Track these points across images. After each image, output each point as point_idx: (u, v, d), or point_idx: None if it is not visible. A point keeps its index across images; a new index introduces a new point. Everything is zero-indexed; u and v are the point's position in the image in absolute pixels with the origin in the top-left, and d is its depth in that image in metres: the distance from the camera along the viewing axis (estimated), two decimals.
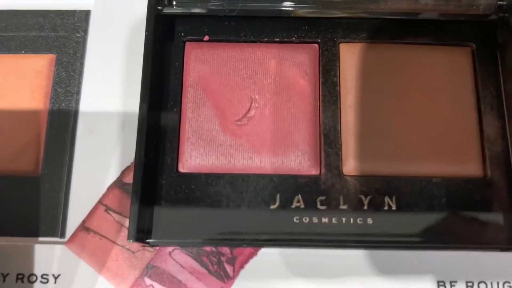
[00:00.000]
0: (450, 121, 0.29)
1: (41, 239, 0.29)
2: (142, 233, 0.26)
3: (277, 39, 0.30)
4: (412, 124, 0.29)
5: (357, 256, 0.29)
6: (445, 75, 0.30)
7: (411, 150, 0.29)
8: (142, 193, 0.26)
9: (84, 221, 0.29)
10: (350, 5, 0.30)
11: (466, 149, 0.29)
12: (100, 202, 0.30)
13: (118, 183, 0.30)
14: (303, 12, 0.30)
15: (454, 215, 0.28)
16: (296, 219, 0.28)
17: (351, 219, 0.28)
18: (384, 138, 0.29)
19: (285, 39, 0.30)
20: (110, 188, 0.30)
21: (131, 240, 0.25)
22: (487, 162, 0.29)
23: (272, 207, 0.28)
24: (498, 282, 0.29)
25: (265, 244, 0.28)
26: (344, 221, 0.28)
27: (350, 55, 0.30)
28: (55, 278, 0.28)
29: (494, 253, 0.29)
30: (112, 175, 0.30)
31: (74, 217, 0.29)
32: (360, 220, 0.28)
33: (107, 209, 0.30)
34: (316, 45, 0.30)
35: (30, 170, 0.30)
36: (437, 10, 0.30)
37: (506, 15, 0.30)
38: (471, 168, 0.29)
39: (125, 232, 0.29)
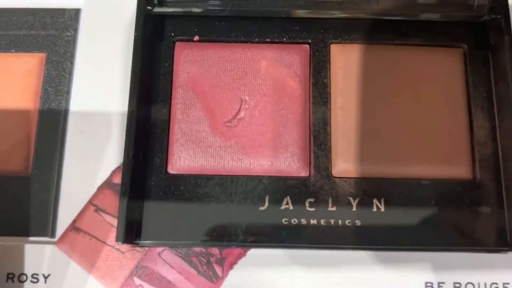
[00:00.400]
0: (441, 123, 0.29)
1: (31, 238, 0.29)
2: (131, 234, 0.26)
3: (268, 40, 0.30)
4: (402, 126, 0.29)
5: (345, 257, 0.29)
6: (436, 77, 0.30)
7: (400, 152, 0.29)
8: (130, 194, 0.26)
9: (74, 221, 0.29)
10: (341, 5, 0.30)
11: (455, 151, 0.29)
12: (90, 202, 0.30)
13: (109, 183, 0.30)
14: (294, 12, 0.30)
15: (442, 217, 0.28)
16: (285, 221, 0.28)
17: (340, 221, 0.28)
18: (374, 140, 0.29)
19: (276, 40, 0.30)
20: (100, 188, 0.30)
21: (119, 242, 0.25)
22: (476, 164, 0.29)
23: (261, 208, 0.28)
24: (485, 283, 0.29)
25: (254, 245, 0.28)
26: (332, 222, 0.28)
27: (341, 56, 0.30)
28: (45, 278, 0.29)
29: (481, 255, 0.29)
30: (102, 175, 0.30)
31: (65, 217, 0.29)
32: (348, 222, 0.28)
33: (97, 209, 0.30)
34: (307, 46, 0.30)
35: (21, 170, 0.30)
36: (430, 11, 0.30)
37: (499, 16, 0.30)
38: (461, 170, 0.29)
39: (115, 232, 0.29)
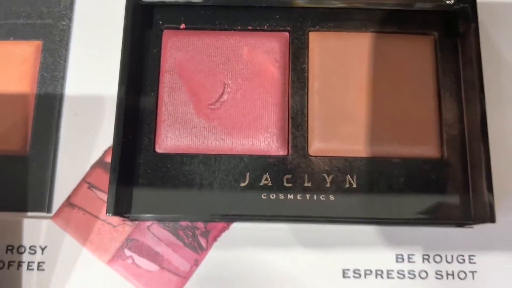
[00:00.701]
0: (411, 106, 0.31)
1: (29, 213, 0.31)
2: (120, 207, 0.29)
3: (250, 28, 0.32)
4: (375, 109, 0.31)
5: (319, 230, 0.31)
6: (408, 63, 0.32)
7: (373, 132, 0.31)
8: (120, 170, 0.28)
9: (69, 198, 0.31)
10: None
11: (425, 132, 0.31)
12: (84, 180, 0.32)
13: (101, 163, 0.32)
14: (274, 2, 0.32)
15: (411, 193, 0.30)
16: (264, 196, 0.30)
17: (315, 196, 0.30)
18: (348, 122, 0.31)
19: (258, 28, 0.32)
20: (93, 167, 0.32)
21: (109, 214, 0.27)
22: (444, 144, 0.31)
23: (242, 184, 0.30)
24: (452, 256, 0.31)
25: (235, 218, 0.30)
26: (308, 197, 0.30)
27: (318, 43, 0.32)
28: (42, 249, 0.31)
29: (448, 229, 0.31)
30: (95, 155, 0.32)
31: (60, 193, 0.32)
32: (323, 197, 0.30)
33: (90, 186, 0.32)
34: (287, 34, 0.32)
35: (19, 150, 0.32)
36: (403, 0, 0.32)
37: (466, 5, 0.31)
38: (429, 149, 0.31)
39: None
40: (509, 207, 0.31)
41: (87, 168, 0.32)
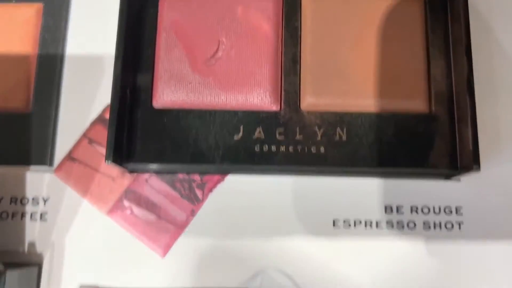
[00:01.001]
0: (401, 62, 0.32)
1: (32, 167, 0.32)
2: (119, 156, 0.30)
3: None
4: (366, 65, 0.32)
5: (310, 183, 0.32)
6: (398, 21, 0.33)
7: (363, 88, 0.32)
8: (118, 121, 0.29)
9: (70, 152, 0.33)
10: None
11: (414, 87, 0.32)
12: (84, 135, 0.33)
13: (100, 119, 0.33)
14: None
15: (400, 145, 0.31)
16: (257, 148, 0.31)
17: (306, 148, 0.31)
18: (339, 77, 0.32)
19: None
20: (93, 123, 0.33)
21: (108, 161, 0.28)
22: (432, 99, 0.32)
23: (236, 137, 0.31)
24: (440, 207, 0.32)
25: (230, 169, 0.31)
26: (299, 149, 0.31)
27: (311, 2, 0.33)
28: (45, 201, 0.32)
29: (436, 182, 0.32)
30: (95, 112, 0.33)
31: (62, 148, 0.33)
32: (314, 149, 0.31)
33: (90, 141, 0.33)
34: None
35: (22, 107, 0.33)
36: None
37: None
38: (418, 104, 0.32)
39: None
40: (494, 161, 0.32)
41: (87, 124, 0.33)
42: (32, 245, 0.32)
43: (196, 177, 0.32)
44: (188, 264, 0.31)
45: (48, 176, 0.32)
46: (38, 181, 0.32)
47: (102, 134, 0.33)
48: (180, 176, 0.32)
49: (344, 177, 0.32)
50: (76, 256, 0.31)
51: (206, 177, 0.32)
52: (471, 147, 0.29)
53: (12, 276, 0.29)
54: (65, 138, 0.33)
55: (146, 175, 0.32)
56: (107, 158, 0.29)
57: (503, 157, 0.33)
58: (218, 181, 0.32)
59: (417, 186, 0.32)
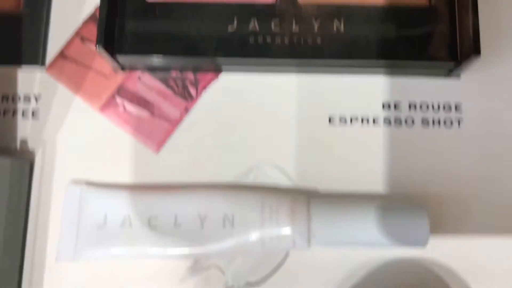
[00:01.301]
0: None
1: (24, 67, 0.32)
2: (110, 42, 0.29)
3: None
4: None
5: (305, 80, 0.31)
6: None
7: None
8: (108, 9, 0.29)
9: (62, 50, 0.32)
10: None
11: None
12: (77, 33, 0.32)
13: (93, 17, 0.32)
14: None
15: (399, 38, 0.30)
16: (252, 40, 0.30)
17: (302, 39, 0.30)
18: None
19: None
20: (86, 22, 0.32)
21: (99, 45, 0.28)
22: None
23: (230, 30, 0.30)
24: (439, 103, 0.31)
25: (223, 61, 0.31)
26: (295, 41, 0.30)
27: None
28: (36, 98, 0.32)
29: (435, 79, 0.31)
30: (87, 10, 0.33)
31: (54, 47, 0.32)
32: (310, 41, 0.30)
33: (83, 39, 0.32)
34: None
35: (13, 8, 0.33)
36: None
37: None
38: None
39: (98, 59, 0.32)
40: (494, 58, 0.31)
41: (79, 22, 0.32)
42: (24, 142, 0.31)
43: (190, 75, 0.32)
44: (182, 159, 0.31)
45: (40, 74, 0.32)
46: (29, 79, 0.32)
47: (95, 32, 0.32)
48: (174, 73, 0.32)
49: (341, 74, 0.31)
50: (68, 153, 0.31)
51: (200, 75, 0.32)
52: (471, 34, 0.28)
53: (4, 165, 0.29)
54: (57, 37, 0.32)
55: (138, 73, 0.32)
56: (98, 42, 0.28)
57: (504, 53, 0.32)
58: (212, 79, 0.32)
59: (416, 83, 0.31)
